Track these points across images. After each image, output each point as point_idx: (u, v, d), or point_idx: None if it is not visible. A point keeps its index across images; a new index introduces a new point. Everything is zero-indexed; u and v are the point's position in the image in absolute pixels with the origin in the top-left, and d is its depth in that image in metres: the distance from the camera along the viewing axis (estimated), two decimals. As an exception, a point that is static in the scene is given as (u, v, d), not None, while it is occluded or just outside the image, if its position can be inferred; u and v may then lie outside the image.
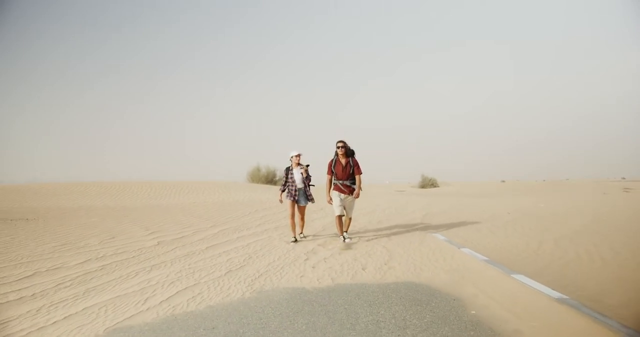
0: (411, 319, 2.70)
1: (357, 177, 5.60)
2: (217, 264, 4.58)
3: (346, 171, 5.55)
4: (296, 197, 5.82)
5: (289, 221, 5.96)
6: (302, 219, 6.03)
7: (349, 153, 5.60)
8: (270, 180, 29.50)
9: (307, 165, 5.90)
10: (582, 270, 3.94)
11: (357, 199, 5.68)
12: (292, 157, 5.86)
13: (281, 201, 6.02)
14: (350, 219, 5.83)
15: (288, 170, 5.91)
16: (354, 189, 5.58)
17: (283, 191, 5.96)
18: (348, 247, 5.43)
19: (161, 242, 5.85)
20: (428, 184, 43.78)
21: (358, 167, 5.62)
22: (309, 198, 5.91)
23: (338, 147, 5.58)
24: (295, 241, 5.80)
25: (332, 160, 5.67)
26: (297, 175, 5.83)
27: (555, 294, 2.96)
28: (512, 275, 3.60)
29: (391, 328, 2.56)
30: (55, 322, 2.84)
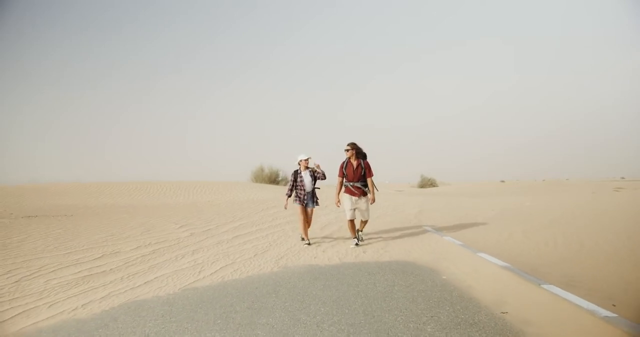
0: (398, 281, 3.77)
1: (369, 180, 5.59)
2: (245, 249, 5.64)
3: (357, 173, 5.54)
4: (305, 202, 5.82)
5: (299, 225, 5.96)
6: (309, 222, 5.98)
7: (359, 155, 5.58)
8: (273, 180, 30.54)
9: (317, 165, 5.91)
10: (535, 251, 5.02)
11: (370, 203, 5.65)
12: (300, 161, 5.85)
13: (286, 208, 6.03)
14: (365, 222, 5.76)
15: (296, 173, 5.86)
16: (364, 191, 5.58)
17: (289, 196, 5.91)
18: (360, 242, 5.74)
19: (193, 234, 6.91)
20: (427, 183, 44.81)
21: (370, 170, 5.60)
22: (316, 201, 5.95)
23: (346, 150, 5.58)
24: (309, 243, 5.86)
25: (343, 162, 5.65)
26: (307, 178, 5.83)
27: (502, 263, 4.04)
28: (477, 253, 4.67)
29: (384, 286, 3.62)
30: (139, 285, 3.90)
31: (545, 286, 3.15)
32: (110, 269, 4.53)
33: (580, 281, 3.49)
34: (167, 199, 15.85)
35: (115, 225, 8.08)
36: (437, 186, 44.64)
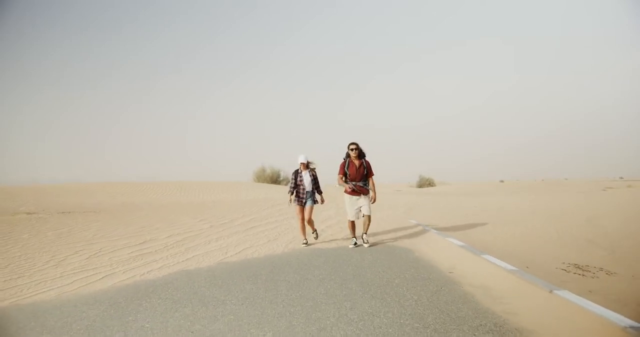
0: (381, 257, 4.95)
1: (370, 179, 5.67)
2: (259, 237, 6.82)
3: (360, 172, 5.57)
4: (304, 201, 5.94)
5: (298, 224, 6.13)
6: (310, 220, 6.03)
7: (361, 155, 5.65)
8: (275, 180, 31.77)
9: (314, 168, 6.09)
10: (494, 236, 6.21)
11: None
12: (301, 162, 5.98)
13: (290, 203, 6.05)
14: (369, 218, 5.70)
15: (297, 173, 6.00)
16: (366, 190, 5.65)
17: (292, 193, 6.02)
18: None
19: (212, 226, 8.09)
20: (425, 183, 46.12)
21: (371, 169, 5.67)
22: (316, 200, 6.04)
23: (351, 150, 5.56)
24: (307, 243, 5.99)
25: (344, 162, 5.67)
26: (306, 178, 5.96)
27: (461, 243, 5.23)
28: (445, 238, 5.86)
29: (369, 260, 4.81)
30: (183, 261, 5.08)
31: (484, 256, 4.33)
32: (155, 251, 5.71)
33: (514, 254, 4.68)
34: (178, 198, 17.04)
35: (142, 219, 9.26)
36: (435, 186, 45.89)
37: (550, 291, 2.88)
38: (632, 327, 2.10)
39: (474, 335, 2.37)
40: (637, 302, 2.78)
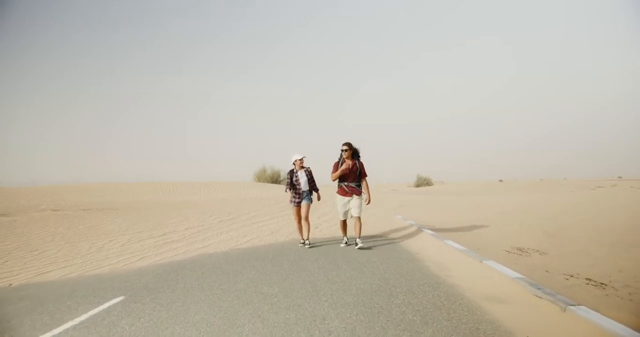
0: (365, 243, 6.00)
1: (364, 180, 5.62)
2: (263, 229, 7.86)
3: (352, 173, 5.52)
4: (301, 201, 5.82)
5: (295, 225, 6.07)
6: (307, 218, 5.85)
7: (354, 155, 5.57)
8: (275, 180, 32.87)
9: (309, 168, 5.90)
10: (468, 230, 7.26)
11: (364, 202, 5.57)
12: (295, 160, 5.83)
13: (291, 201, 5.90)
14: (359, 220, 5.57)
15: (292, 173, 5.85)
16: (358, 191, 5.59)
17: (289, 190, 5.92)
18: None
19: (222, 221, 9.13)
20: (423, 183, 47.23)
21: (364, 170, 5.62)
22: (312, 198, 5.90)
23: (344, 150, 5.49)
24: (304, 243, 5.90)
25: (338, 161, 5.59)
26: (302, 178, 5.82)
27: (432, 232, 6.28)
28: (422, 229, 6.92)
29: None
30: (202, 247, 6.12)
31: (446, 241, 5.38)
32: (178, 240, 6.76)
33: (474, 241, 5.73)
34: (187, 197, 18.09)
35: (158, 216, 10.30)
36: (432, 185, 46.97)
37: (481, 261, 3.92)
38: (517, 278, 3.15)
39: (419, 287, 3.41)
40: (543, 269, 3.82)
